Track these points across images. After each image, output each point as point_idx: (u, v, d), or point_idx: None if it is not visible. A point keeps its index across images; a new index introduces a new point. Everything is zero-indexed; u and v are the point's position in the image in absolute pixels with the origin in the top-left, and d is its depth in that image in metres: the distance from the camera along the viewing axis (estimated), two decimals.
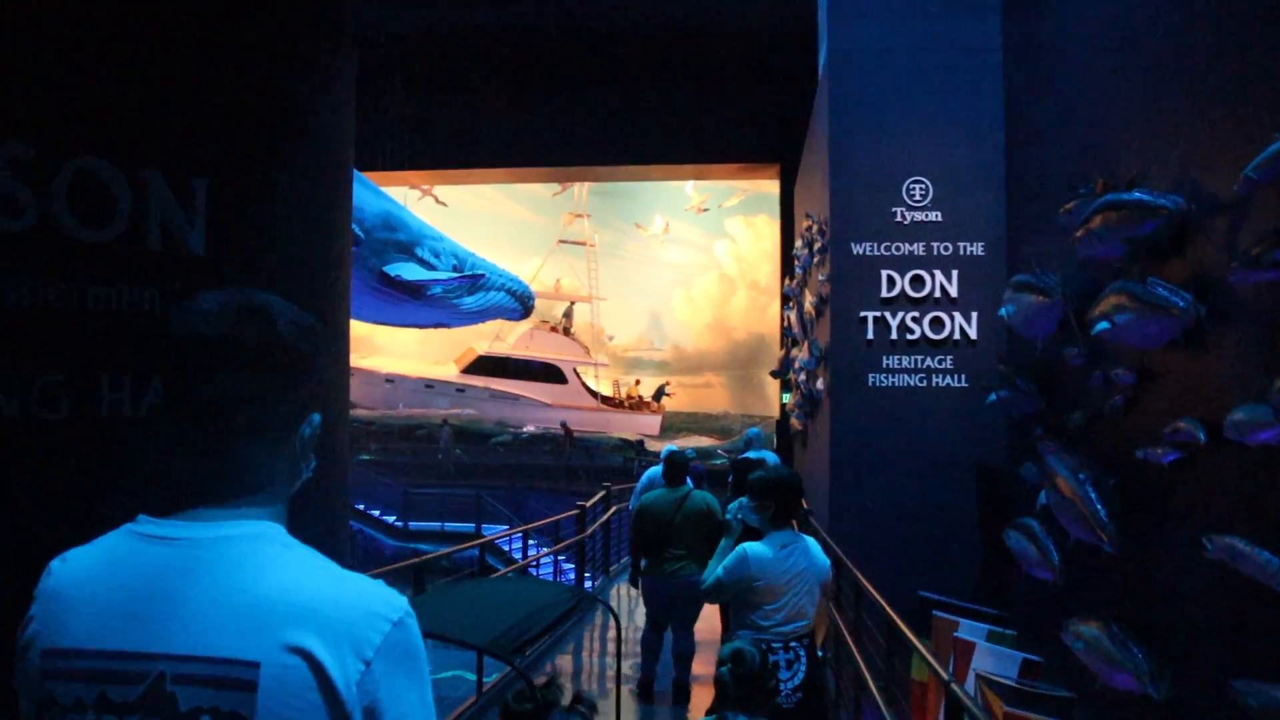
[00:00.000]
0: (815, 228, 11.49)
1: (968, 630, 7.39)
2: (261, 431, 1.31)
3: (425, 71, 23.89)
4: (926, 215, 9.92)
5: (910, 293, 9.87)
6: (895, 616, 5.49)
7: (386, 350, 32.25)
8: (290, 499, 1.38)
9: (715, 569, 4.65)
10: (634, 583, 7.52)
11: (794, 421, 14.23)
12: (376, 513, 21.79)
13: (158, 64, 3.12)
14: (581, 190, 31.19)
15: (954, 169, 9.81)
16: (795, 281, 14.49)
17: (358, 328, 32.35)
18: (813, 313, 11.61)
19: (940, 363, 9.80)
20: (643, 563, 7.23)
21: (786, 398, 17.21)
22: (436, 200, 30.22)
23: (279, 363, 1.31)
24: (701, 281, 31.54)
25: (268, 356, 1.29)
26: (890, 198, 10.04)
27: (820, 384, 10.83)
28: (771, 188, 25.16)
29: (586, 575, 11.01)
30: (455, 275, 12.71)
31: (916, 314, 9.86)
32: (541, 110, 23.75)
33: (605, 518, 11.87)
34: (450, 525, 20.60)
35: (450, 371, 30.32)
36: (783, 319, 17.85)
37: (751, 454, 10.32)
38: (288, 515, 1.36)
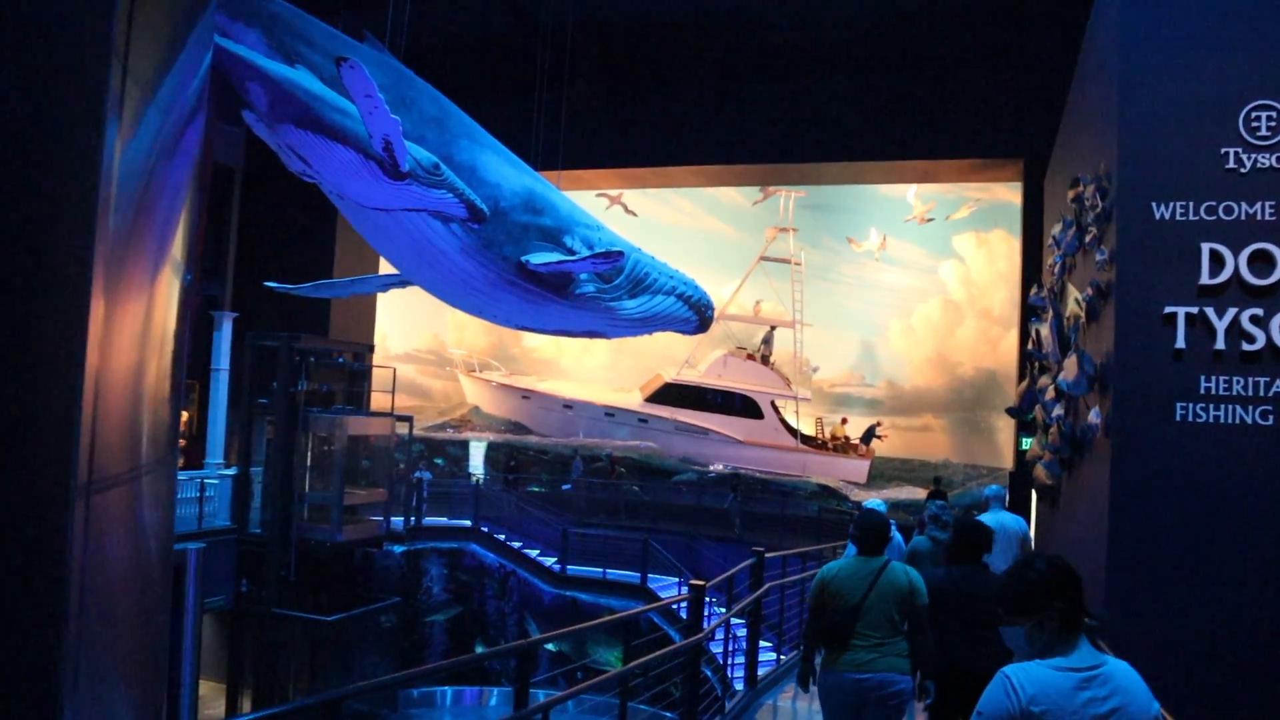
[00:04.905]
0: (1091, 190, 8.02)
1: None
2: None
3: (622, 63, 21.99)
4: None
5: (1250, 278, 6.75)
6: None
7: (572, 374, 30.35)
8: None
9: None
10: (803, 683, 5.63)
11: (1039, 472, 10.65)
12: (535, 553, 19.47)
13: None
14: (787, 202, 28.23)
15: None
16: (1047, 288, 10.98)
17: (544, 348, 30.56)
18: (1080, 314, 8.12)
19: None
20: (819, 656, 5.51)
21: (1028, 443, 13.70)
22: (626, 209, 28.19)
23: None
24: (923, 309, 27.76)
25: None
26: (1218, 133, 6.84)
27: (1093, 417, 7.37)
28: (1010, 195, 21.46)
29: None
30: (589, 256, 9.96)
31: (1259, 311, 6.66)
32: (747, 102, 21.53)
33: (750, 601, 8.03)
34: (613, 573, 17.97)
35: (635, 399, 27.96)
36: (1025, 339, 14.23)
37: (987, 515, 7.10)
38: None
